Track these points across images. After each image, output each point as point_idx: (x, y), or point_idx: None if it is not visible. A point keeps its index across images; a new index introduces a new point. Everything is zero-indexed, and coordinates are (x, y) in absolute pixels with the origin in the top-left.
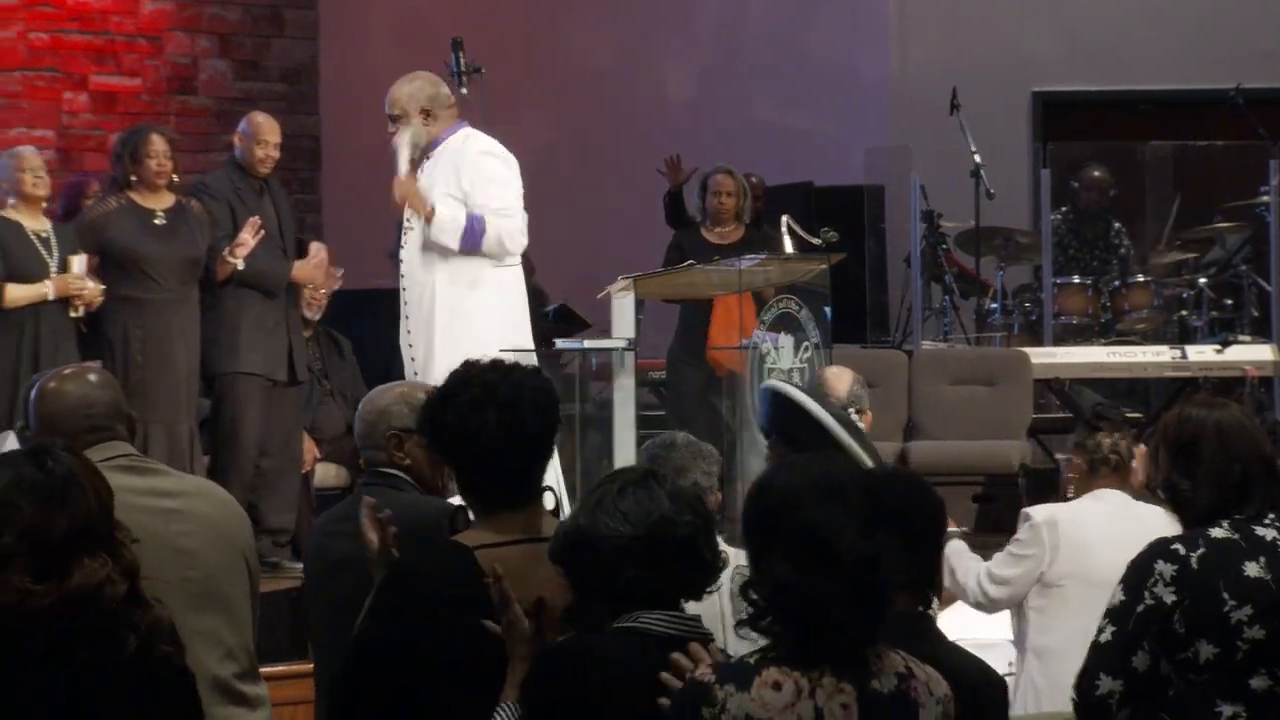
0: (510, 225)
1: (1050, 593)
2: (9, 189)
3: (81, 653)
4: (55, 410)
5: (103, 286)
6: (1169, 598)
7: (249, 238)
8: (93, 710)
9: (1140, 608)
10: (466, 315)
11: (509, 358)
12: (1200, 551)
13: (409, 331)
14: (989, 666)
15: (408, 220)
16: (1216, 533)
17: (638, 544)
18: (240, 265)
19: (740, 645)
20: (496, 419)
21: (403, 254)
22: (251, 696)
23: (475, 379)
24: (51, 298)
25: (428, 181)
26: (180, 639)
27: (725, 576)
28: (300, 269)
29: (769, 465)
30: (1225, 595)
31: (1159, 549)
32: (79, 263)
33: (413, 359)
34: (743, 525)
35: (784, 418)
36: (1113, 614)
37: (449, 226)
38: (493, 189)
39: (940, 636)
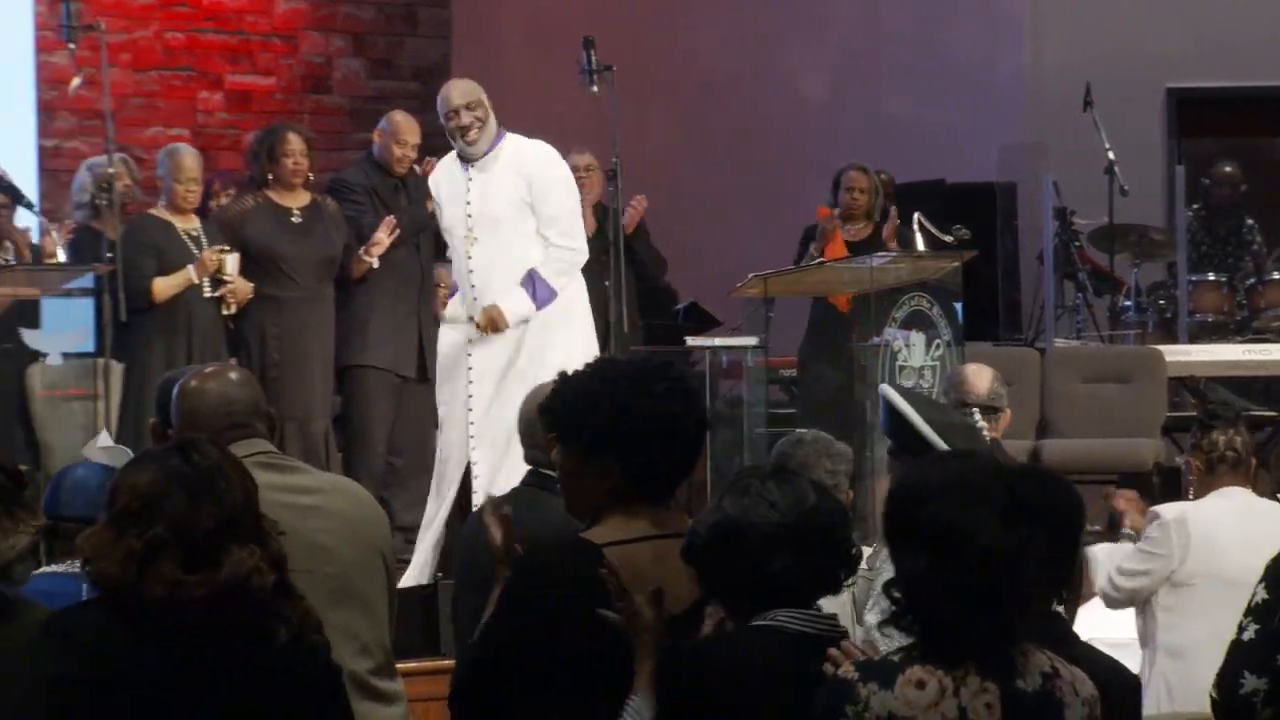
0: (566, 253)
1: (1180, 592)
2: (163, 189)
3: (233, 644)
4: (196, 407)
5: (252, 285)
6: None
7: (384, 237)
8: (244, 700)
9: None
10: (549, 327)
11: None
12: None
13: (471, 339)
14: (1123, 666)
15: (470, 232)
16: None
17: (787, 532)
18: (375, 264)
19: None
20: (649, 408)
21: (471, 264)
22: (388, 692)
23: (622, 373)
24: (196, 281)
25: (482, 191)
26: (324, 633)
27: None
28: None
29: (889, 468)
30: None
31: None
32: (232, 261)
33: (470, 367)
34: (883, 523)
35: (892, 423)
36: (1256, 612)
37: (522, 311)
38: (556, 199)
39: (1074, 636)
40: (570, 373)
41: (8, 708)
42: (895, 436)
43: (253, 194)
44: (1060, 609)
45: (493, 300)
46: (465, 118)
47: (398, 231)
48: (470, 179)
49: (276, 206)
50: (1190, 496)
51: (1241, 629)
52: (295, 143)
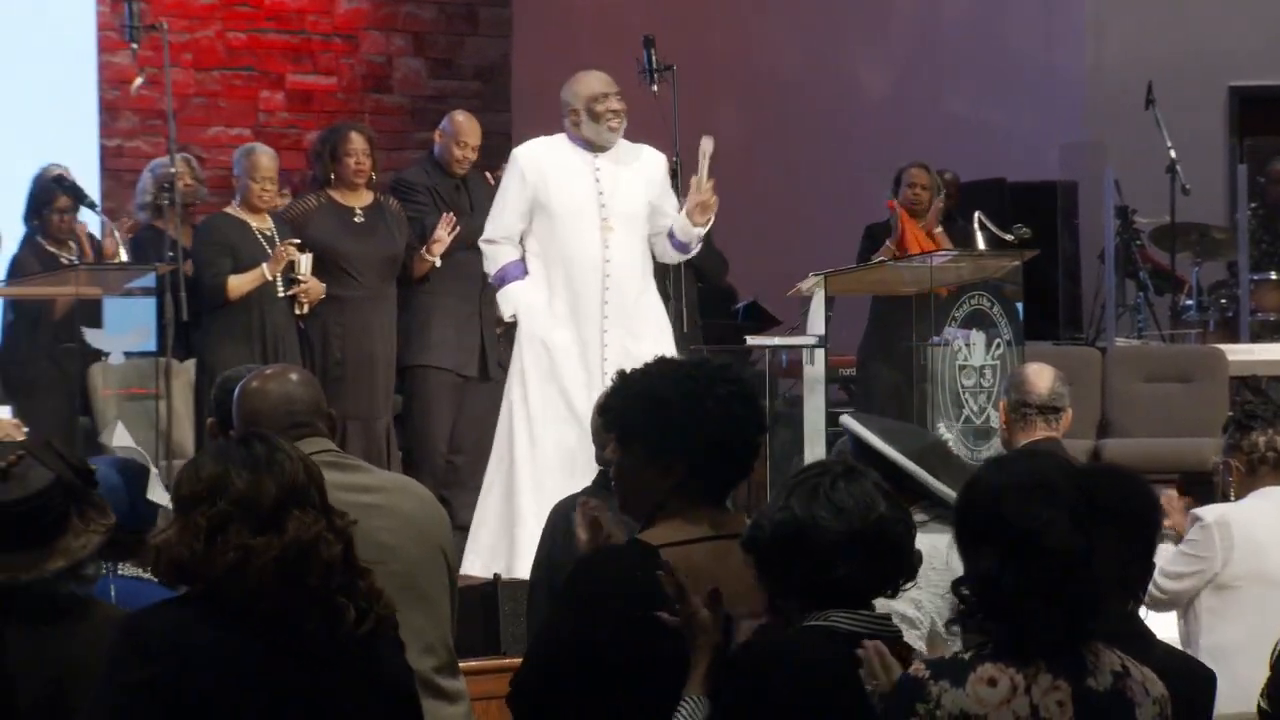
0: None
1: (1225, 594)
2: (239, 188)
3: (307, 629)
4: (258, 407)
5: (324, 285)
6: None
7: (445, 235)
8: (320, 696)
9: None
10: (665, 315)
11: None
12: None
13: (606, 330)
14: (1199, 662)
15: (606, 221)
16: None
17: (853, 540)
18: (438, 263)
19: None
20: (714, 410)
21: (609, 254)
22: (451, 691)
23: (685, 375)
24: (270, 277)
25: (615, 183)
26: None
27: None
28: None
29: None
30: None
31: None
32: (305, 261)
33: (605, 359)
34: (954, 522)
35: (862, 454)
36: None
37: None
38: (673, 200)
39: (1152, 635)
40: (629, 372)
41: (84, 709)
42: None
43: (315, 193)
44: (1135, 608)
45: (631, 297)
46: (615, 103)
47: (459, 229)
48: (598, 168)
49: (339, 206)
50: (1230, 497)
51: None
52: (358, 142)
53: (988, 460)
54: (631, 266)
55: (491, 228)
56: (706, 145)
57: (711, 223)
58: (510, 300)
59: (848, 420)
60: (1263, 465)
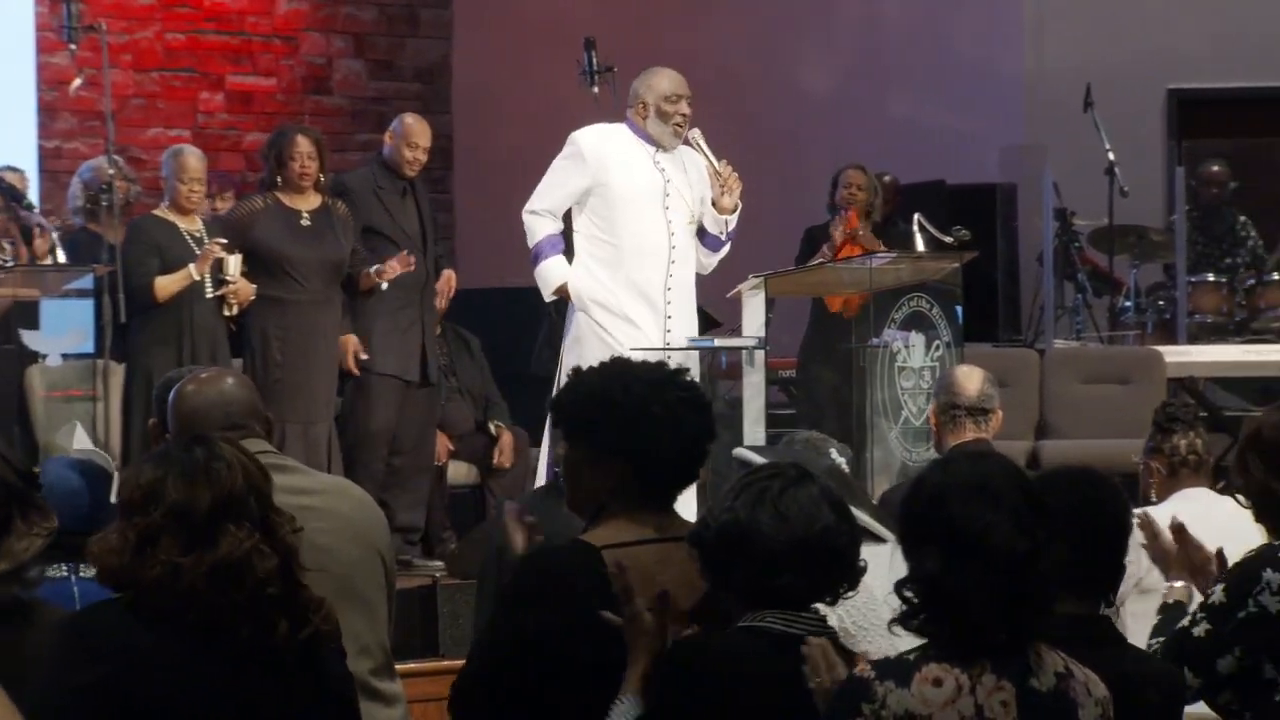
0: None
1: (1150, 597)
2: (167, 190)
3: (235, 631)
4: (196, 406)
5: (254, 286)
6: (1275, 606)
7: (398, 267)
8: (256, 699)
9: (1242, 614)
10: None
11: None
12: None
13: (670, 316)
14: (1172, 666)
15: (670, 210)
16: None
17: (796, 549)
18: (384, 287)
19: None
20: (662, 415)
21: (674, 240)
22: (388, 693)
23: (638, 377)
24: (198, 277)
25: (676, 183)
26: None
27: None
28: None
29: None
30: None
31: (1268, 556)
32: (234, 262)
33: (667, 343)
34: (898, 523)
35: None
36: (1211, 611)
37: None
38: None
39: (1123, 639)
40: (584, 370)
41: (32, 714)
42: None
43: (263, 195)
44: (1104, 611)
45: (686, 287)
46: (686, 107)
47: (412, 268)
48: (658, 161)
49: (285, 209)
50: (1153, 500)
51: (1194, 621)
52: (303, 145)
53: (932, 461)
54: (690, 257)
55: (538, 201)
56: (697, 134)
57: (739, 208)
58: (546, 278)
59: (741, 452)
60: (1184, 468)
